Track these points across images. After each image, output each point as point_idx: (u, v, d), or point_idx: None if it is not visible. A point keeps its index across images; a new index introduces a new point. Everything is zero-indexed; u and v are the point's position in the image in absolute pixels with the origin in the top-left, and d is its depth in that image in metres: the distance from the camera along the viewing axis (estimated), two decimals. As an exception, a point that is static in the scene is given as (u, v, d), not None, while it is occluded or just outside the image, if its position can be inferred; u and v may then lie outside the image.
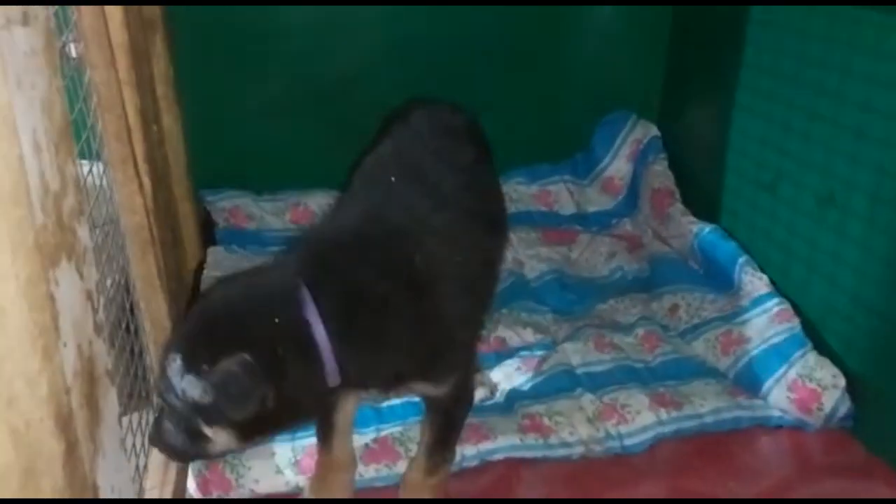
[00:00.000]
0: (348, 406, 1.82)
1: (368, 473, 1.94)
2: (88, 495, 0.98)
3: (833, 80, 2.18)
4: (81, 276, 1.04)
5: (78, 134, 1.55)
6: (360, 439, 1.99)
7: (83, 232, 1.07)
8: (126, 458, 1.22)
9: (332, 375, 1.47)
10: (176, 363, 1.38)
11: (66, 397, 0.90)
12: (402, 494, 1.84)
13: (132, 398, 1.89)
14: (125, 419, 1.87)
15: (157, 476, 1.69)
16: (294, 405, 1.47)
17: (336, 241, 1.62)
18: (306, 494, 1.87)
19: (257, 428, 1.46)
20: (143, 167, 1.78)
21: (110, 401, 1.15)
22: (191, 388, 1.37)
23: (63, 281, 0.96)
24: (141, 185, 1.74)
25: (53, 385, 0.83)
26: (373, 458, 1.98)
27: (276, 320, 1.42)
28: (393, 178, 1.77)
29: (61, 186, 0.98)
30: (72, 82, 1.52)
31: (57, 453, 0.84)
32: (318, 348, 1.44)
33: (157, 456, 1.75)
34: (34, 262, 0.82)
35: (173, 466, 1.74)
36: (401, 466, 1.93)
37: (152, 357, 1.82)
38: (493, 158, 2.11)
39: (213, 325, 1.45)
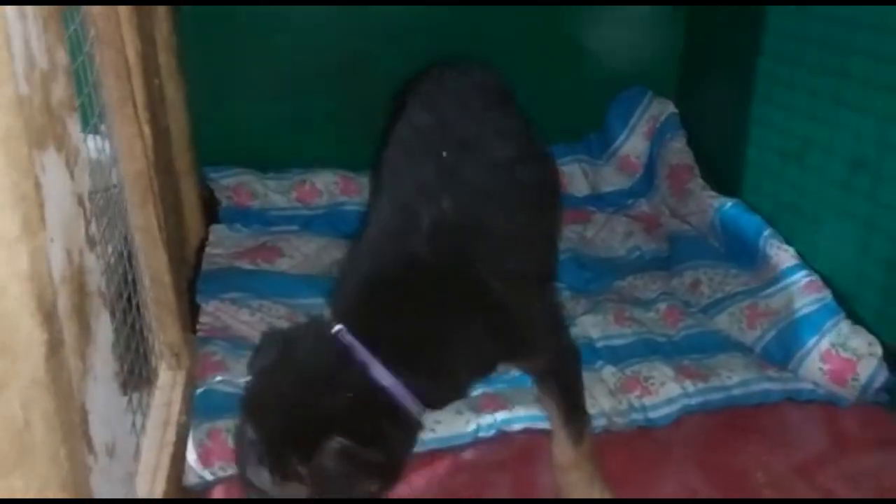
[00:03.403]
0: None
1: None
2: (75, 413, 0.88)
3: (864, 38, 2.09)
4: (72, 176, 0.94)
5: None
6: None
7: (74, 132, 0.97)
8: (121, 394, 1.12)
9: (417, 408, 1.35)
10: (265, 474, 1.25)
11: (50, 291, 0.80)
12: (559, 477, 1.67)
13: (133, 374, 1.78)
14: (134, 397, 1.78)
15: (156, 436, 1.58)
16: (400, 452, 1.35)
17: (370, 270, 1.47)
18: None
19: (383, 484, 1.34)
20: (143, 115, 1.68)
21: (103, 325, 1.04)
22: (293, 491, 1.25)
23: (50, 170, 0.86)
24: (141, 132, 1.65)
25: (36, 266, 0.73)
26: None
27: (341, 385, 1.27)
28: (423, 165, 1.63)
29: (50, 67, 0.88)
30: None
31: (38, 340, 0.73)
32: (391, 394, 1.30)
33: (154, 418, 1.65)
34: (15, 121, 0.72)
35: (172, 429, 1.63)
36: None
37: (151, 315, 1.71)
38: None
39: (284, 418, 1.27)
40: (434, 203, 1.47)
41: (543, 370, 1.66)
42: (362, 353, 1.29)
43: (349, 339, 1.30)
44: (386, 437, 1.28)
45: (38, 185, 0.81)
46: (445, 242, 1.42)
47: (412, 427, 1.37)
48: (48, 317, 0.77)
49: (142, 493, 1.49)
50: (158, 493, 1.52)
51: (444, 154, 1.60)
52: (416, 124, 1.83)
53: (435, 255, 1.40)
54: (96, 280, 1.01)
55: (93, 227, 1.02)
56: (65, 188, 0.92)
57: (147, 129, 1.70)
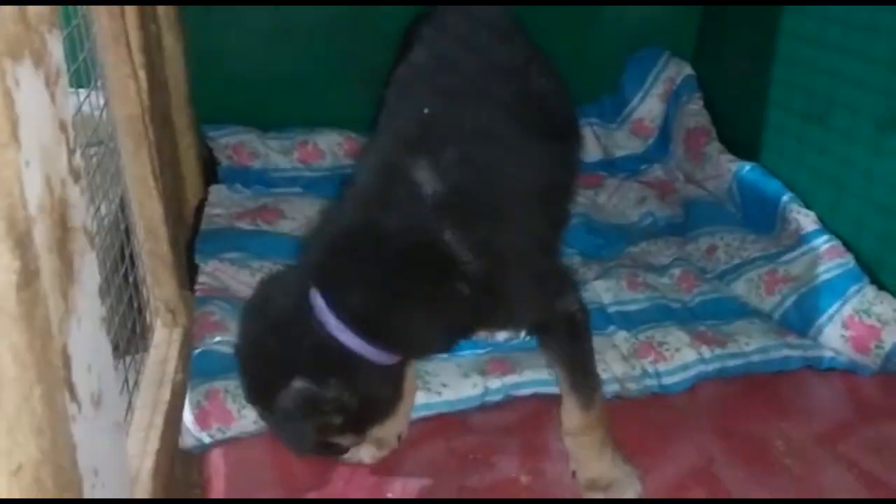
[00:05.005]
0: None
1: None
2: (54, 355, 0.80)
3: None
4: (53, 98, 0.86)
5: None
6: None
7: (55, 51, 0.88)
8: (109, 342, 1.04)
9: (382, 357, 1.39)
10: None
11: (23, 216, 0.72)
12: (569, 442, 1.60)
13: (125, 328, 1.71)
14: (128, 359, 1.71)
15: (149, 393, 1.51)
16: (372, 396, 1.42)
17: (340, 228, 1.47)
18: None
19: (361, 422, 1.45)
20: (137, 58, 1.59)
21: (88, 264, 0.96)
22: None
23: (25, 84, 0.78)
24: (135, 75, 1.56)
25: (5, 184, 0.65)
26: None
27: (299, 338, 1.37)
28: (426, 107, 1.54)
29: (25, -27, 0.79)
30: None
31: (7, 266, 0.65)
32: (345, 344, 1.36)
33: (148, 375, 1.57)
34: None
35: (167, 388, 1.56)
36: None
37: (146, 268, 1.64)
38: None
39: (261, 359, 1.42)
40: (414, 161, 1.41)
41: (546, 335, 1.59)
42: (322, 308, 1.36)
43: (315, 295, 1.37)
44: (340, 379, 1.36)
45: (8, 96, 0.73)
46: (417, 207, 1.37)
47: (374, 372, 1.40)
48: (19, 243, 0.69)
49: (134, 452, 1.43)
50: (151, 453, 1.45)
51: (426, 111, 1.53)
52: (414, 65, 1.76)
53: (403, 221, 1.38)
54: (81, 216, 0.93)
55: (77, 158, 0.93)
56: (44, 110, 0.83)
57: (142, 74, 1.61)
